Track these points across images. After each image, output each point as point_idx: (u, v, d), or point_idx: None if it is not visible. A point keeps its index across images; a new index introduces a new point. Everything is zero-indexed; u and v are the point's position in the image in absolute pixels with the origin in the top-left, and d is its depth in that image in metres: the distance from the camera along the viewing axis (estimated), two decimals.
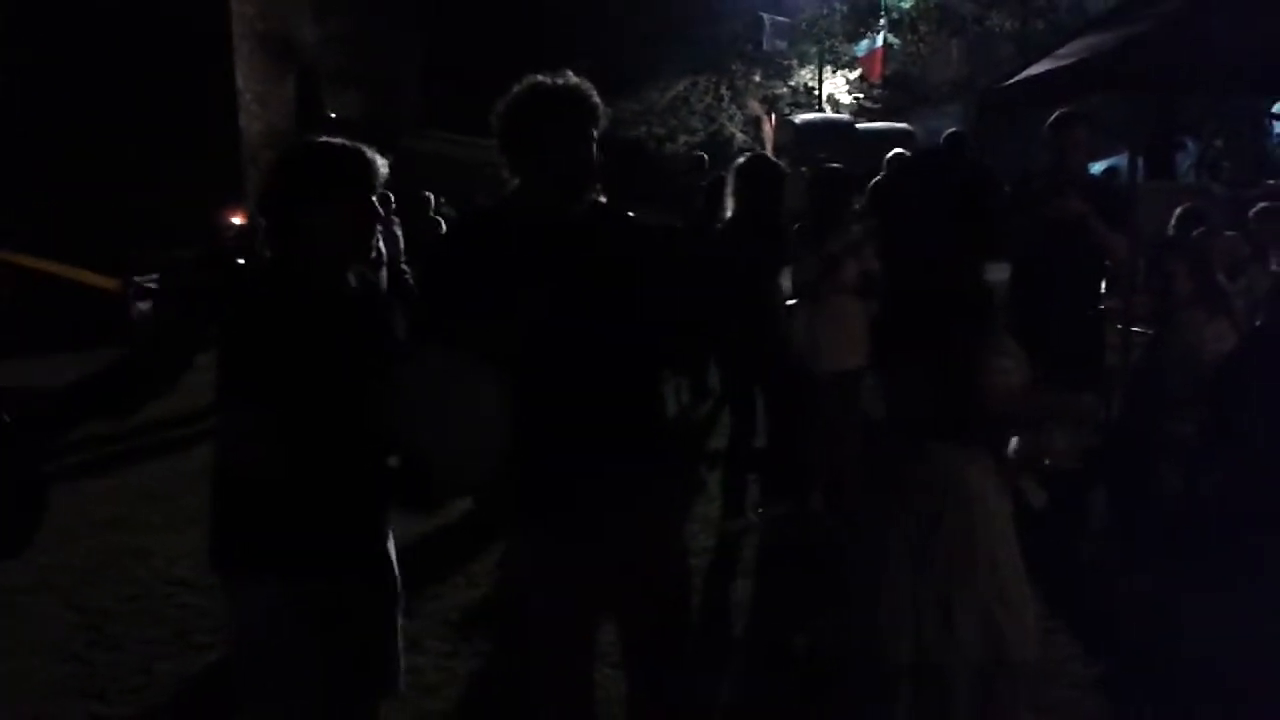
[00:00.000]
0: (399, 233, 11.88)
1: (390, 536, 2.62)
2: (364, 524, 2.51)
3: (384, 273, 11.28)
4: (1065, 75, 5.51)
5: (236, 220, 17.12)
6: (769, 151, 21.34)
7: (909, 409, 2.49)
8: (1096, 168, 10.93)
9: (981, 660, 2.41)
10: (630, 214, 2.78)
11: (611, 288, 2.57)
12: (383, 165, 2.45)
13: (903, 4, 20.23)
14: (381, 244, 11.36)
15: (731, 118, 24.71)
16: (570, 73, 2.60)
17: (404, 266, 11.66)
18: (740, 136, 24.32)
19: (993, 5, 19.32)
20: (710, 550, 5.14)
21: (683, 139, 24.38)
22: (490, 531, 4.97)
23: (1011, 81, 6.56)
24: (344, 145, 2.42)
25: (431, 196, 12.33)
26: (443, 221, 12.03)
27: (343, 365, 2.36)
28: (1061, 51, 6.14)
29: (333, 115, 22.73)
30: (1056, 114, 4.79)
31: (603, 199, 2.70)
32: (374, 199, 2.45)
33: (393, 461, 2.48)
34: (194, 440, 7.35)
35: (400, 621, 2.65)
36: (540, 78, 2.57)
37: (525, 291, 2.50)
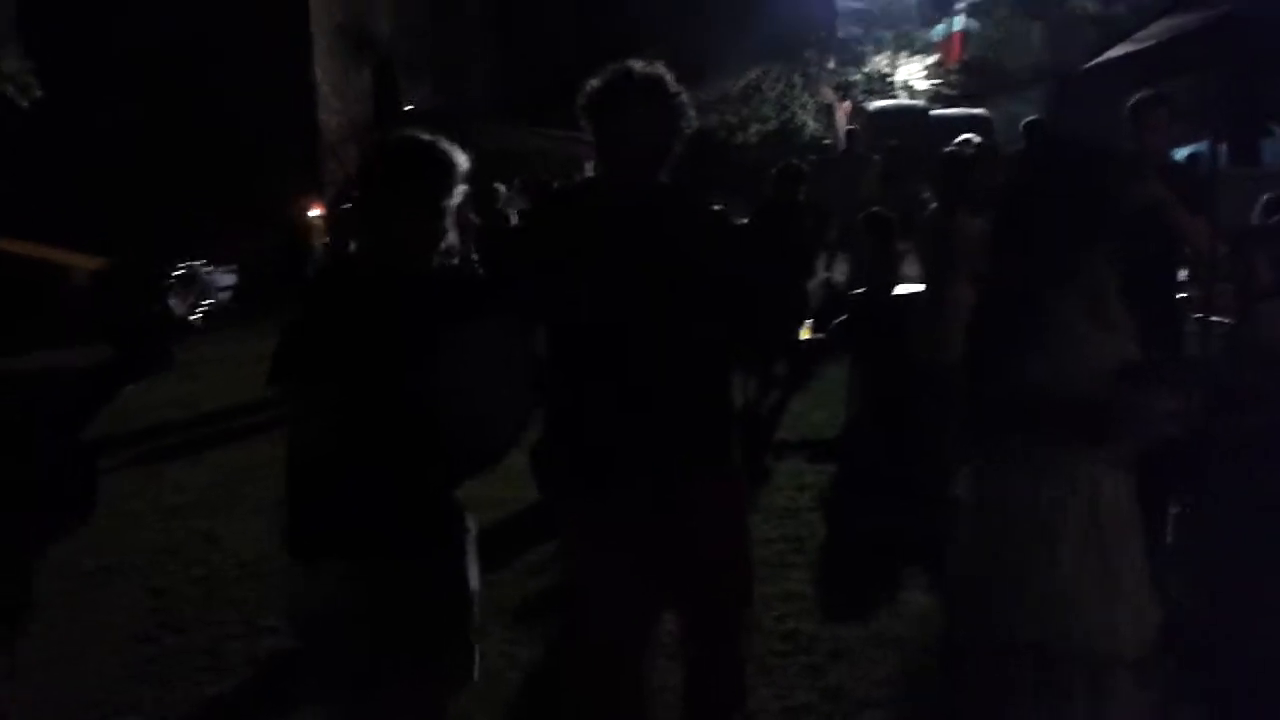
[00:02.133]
0: (475, 220, 11.97)
1: (467, 524, 2.60)
2: (430, 505, 2.51)
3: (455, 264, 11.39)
4: (1145, 58, 5.35)
5: (315, 211, 17.45)
6: (840, 139, 21.18)
7: (1014, 398, 2.49)
8: (1180, 154, 10.61)
9: (1104, 653, 2.41)
10: (698, 200, 2.81)
11: (674, 268, 2.60)
12: (463, 159, 2.48)
13: None
14: (451, 234, 11.48)
15: (804, 106, 24.46)
16: (659, 64, 2.66)
17: (474, 258, 11.74)
18: (813, 125, 24.09)
19: None
20: (776, 539, 5.09)
21: (754, 127, 24.21)
22: (552, 519, 4.96)
23: (1091, 65, 6.38)
24: (424, 140, 2.46)
25: (502, 188, 12.38)
26: (512, 214, 12.09)
27: (409, 348, 2.37)
28: (1141, 34, 5.95)
29: (409, 107, 22.99)
30: (1136, 97, 4.64)
31: (668, 183, 2.71)
32: (451, 192, 2.46)
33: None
34: (256, 430, 7.42)
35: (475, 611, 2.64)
36: (626, 64, 2.64)
37: (587, 271, 2.57)
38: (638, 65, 2.65)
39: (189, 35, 16.83)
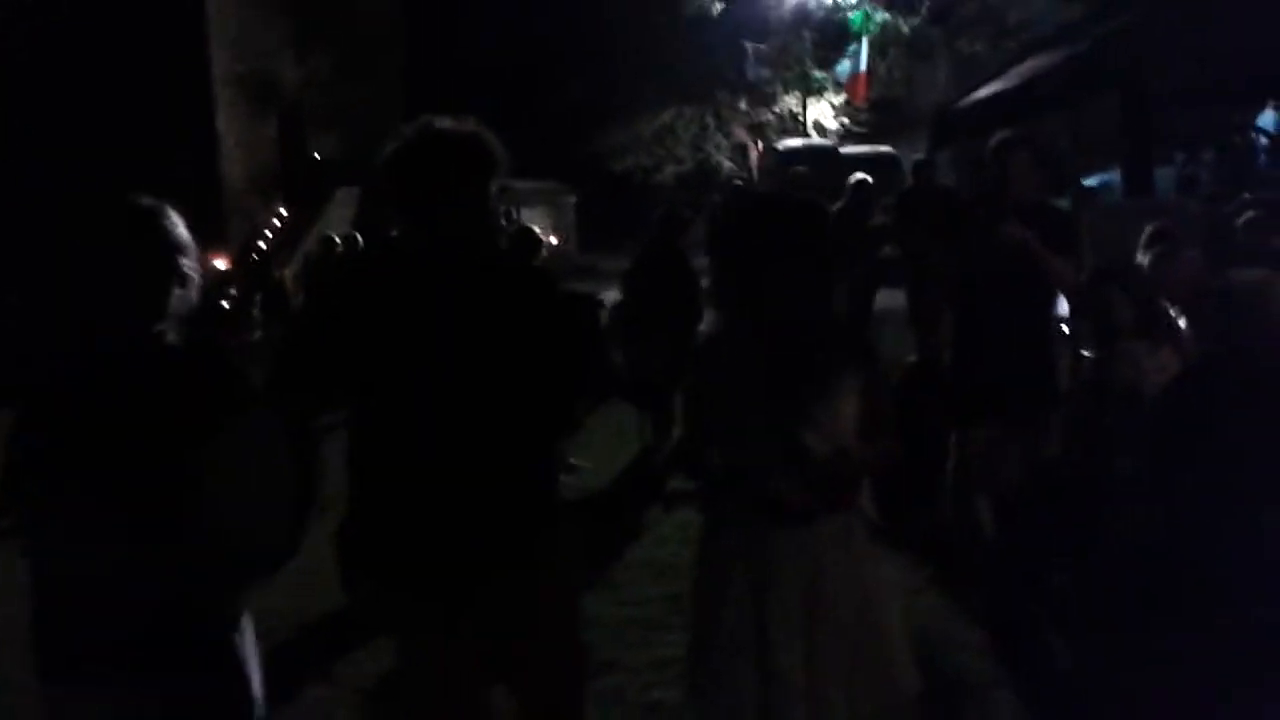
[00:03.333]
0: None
1: (241, 634, 2.34)
2: (190, 621, 2.26)
3: None
4: (1010, 97, 5.34)
5: (220, 265, 17.05)
6: (755, 178, 21.30)
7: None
8: (1090, 182, 10.80)
9: None
10: (517, 261, 2.65)
11: (482, 335, 2.44)
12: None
13: (870, 29, 20.18)
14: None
15: (718, 146, 24.64)
16: (470, 119, 2.53)
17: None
18: (728, 165, 24.24)
19: (963, 29, 19.24)
20: (658, 599, 4.91)
21: (670, 168, 24.29)
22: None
23: (960, 105, 6.39)
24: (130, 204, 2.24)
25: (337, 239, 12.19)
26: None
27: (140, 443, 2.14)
28: (1010, 73, 5.98)
29: (316, 156, 22.70)
30: (997, 138, 4.60)
31: (479, 243, 2.55)
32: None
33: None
34: None
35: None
36: (430, 124, 2.51)
37: (386, 339, 2.41)
38: (444, 122, 2.51)
39: (88, 88, 16.45)
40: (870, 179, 9.36)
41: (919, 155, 8.84)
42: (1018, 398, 4.32)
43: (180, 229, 2.26)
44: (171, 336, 2.23)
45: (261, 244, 19.11)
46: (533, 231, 7.81)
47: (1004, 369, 4.31)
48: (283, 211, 20.89)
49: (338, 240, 11.91)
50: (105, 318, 2.20)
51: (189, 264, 2.26)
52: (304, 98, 21.97)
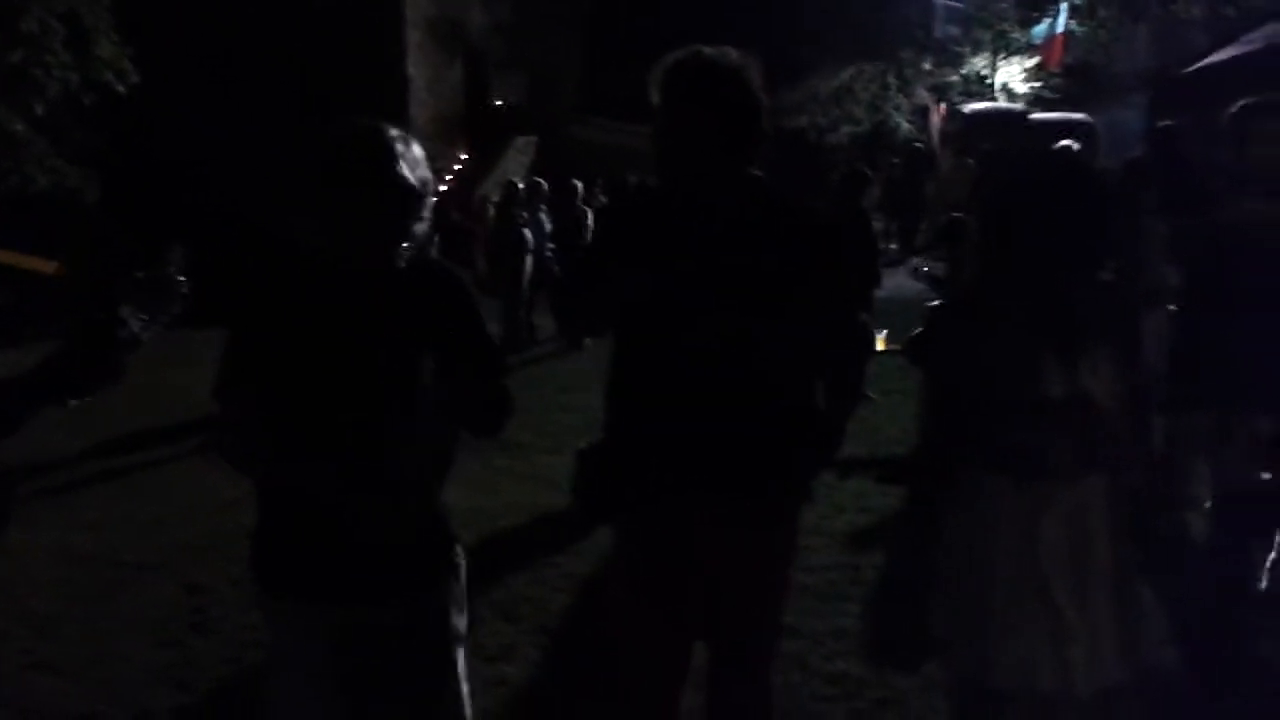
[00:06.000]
0: (545, 219, 11.84)
1: (454, 558, 2.41)
2: (410, 542, 2.32)
3: (529, 260, 11.28)
4: (1251, 62, 4.94)
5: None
6: (935, 143, 20.64)
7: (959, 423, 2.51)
8: None
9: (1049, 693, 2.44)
10: (787, 198, 2.60)
11: (752, 270, 2.41)
12: (416, 151, 2.23)
13: None
14: (527, 231, 11.37)
15: (898, 107, 23.94)
16: (732, 50, 2.45)
17: (549, 254, 11.62)
18: (906, 127, 23.55)
19: None
20: (835, 568, 4.81)
21: (845, 129, 23.76)
22: (596, 532, 4.77)
23: (1190, 70, 5.96)
24: (363, 129, 2.21)
25: (579, 185, 12.23)
26: (589, 211, 11.93)
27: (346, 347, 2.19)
28: (1250, 36, 5.53)
29: (499, 102, 23.06)
30: (1238, 104, 4.26)
31: (754, 177, 2.52)
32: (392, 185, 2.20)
33: None
34: None
35: (461, 652, 2.45)
36: (695, 50, 2.44)
37: (656, 269, 2.42)
38: (708, 49, 2.45)
39: (285, 30, 17.03)
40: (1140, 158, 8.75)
41: (1166, 123, 8.26)
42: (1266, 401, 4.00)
43: (423, 159, 2.25)
44: (405, 260, 2.27)
45: (442, 187, 19.57)
46: (864, 172, 7.76)
47: (1248, 368, 3.96)
48: (463, 156, 21.33)
49: (520, 185, 12.06)
50: (352, 242, 2.21)
51: (429, 194, 2.26)
52: (488, 43, 22.30)
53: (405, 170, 2.17)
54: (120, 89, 13.46)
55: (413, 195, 2.19)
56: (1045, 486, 2.41)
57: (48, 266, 11.55)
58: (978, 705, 2.55)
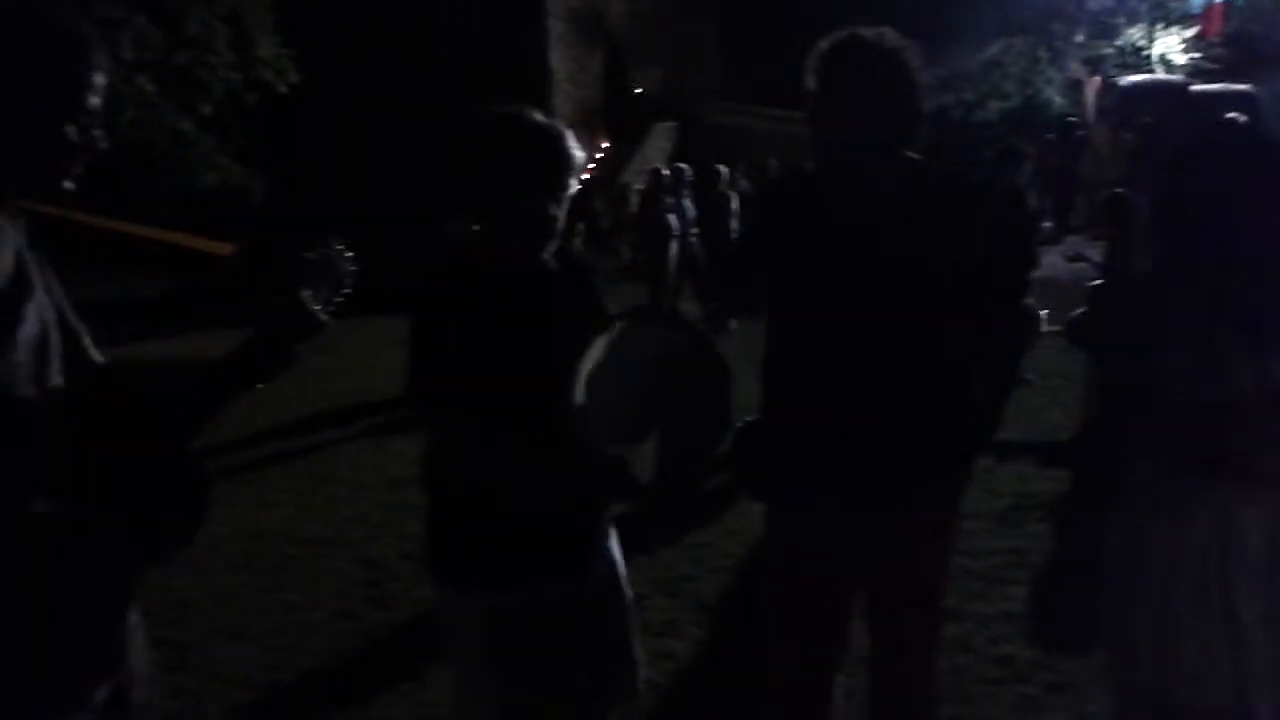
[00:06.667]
0: (689, 205, 11.87)
1: (609, 535, 2.48)
2: (580, 522, 2.38)
3: (673, 246, 11.34)
4: None
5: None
6: (1090, 117, 19.89)
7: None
8: None
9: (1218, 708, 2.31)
10: (953, 176, 2.58)
11: (913, 253, 2.39)
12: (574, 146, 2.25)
13: None
14: (672, 218, 11.43)
15: (1050, 81, 23.11)
16: (891, 31, 2.44)
17: (693, 239, 11.65)
18: (1059, 101, 22.74)
19: None
20: (999, 552, 4.72)
21: (994, 104, 23.07)
22: (752, 511, 4.80)
23: None
24: (528, 121, 2.23)
25: (724, 170, 12.22)
26: (735, 196, 11.91)
27: (533, 347, 2.22)
28: None
29: (638, 90, 23.19)
30: None
31: (914, 158, 2.49)
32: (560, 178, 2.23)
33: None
34: None
35: (635, 623, 2.52)
36: (853, 32, 2.43)
37: (817, 249, 2.42)
38: (867, 31, 2.43)
39: (431, 25, 17.47)
40: None
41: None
42: None
43: (577, 152, 2.27)
44: (550, 255, 2.31)
45: (585, 175, 19.81)
46: (1019, 148, 7.66)
47: None
48: (604, 145, 21.54)
49: (665, 172, 12.12)
50: (517, 232, 2.25)
51: (573, 185, 2.28)
52: (628, 31, 22.43)
53: (572, 157, 2.22)
54: (281, 88, 14.02)
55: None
56: (1245, 490, 2.27)
57: (223, 249, 12.09)
58: (1146, 713, 2.45)
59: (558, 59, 19.58)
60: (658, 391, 2.19)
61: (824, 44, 2.44)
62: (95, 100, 1.64)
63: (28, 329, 1.58)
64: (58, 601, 1.60)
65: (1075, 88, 22.55)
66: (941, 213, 2.46)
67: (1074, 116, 20.54)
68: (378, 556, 4.99)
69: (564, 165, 2.22)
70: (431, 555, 2.37)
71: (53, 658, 1.61)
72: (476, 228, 2.27)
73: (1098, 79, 20.95)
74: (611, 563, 2.46)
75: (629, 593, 2.50)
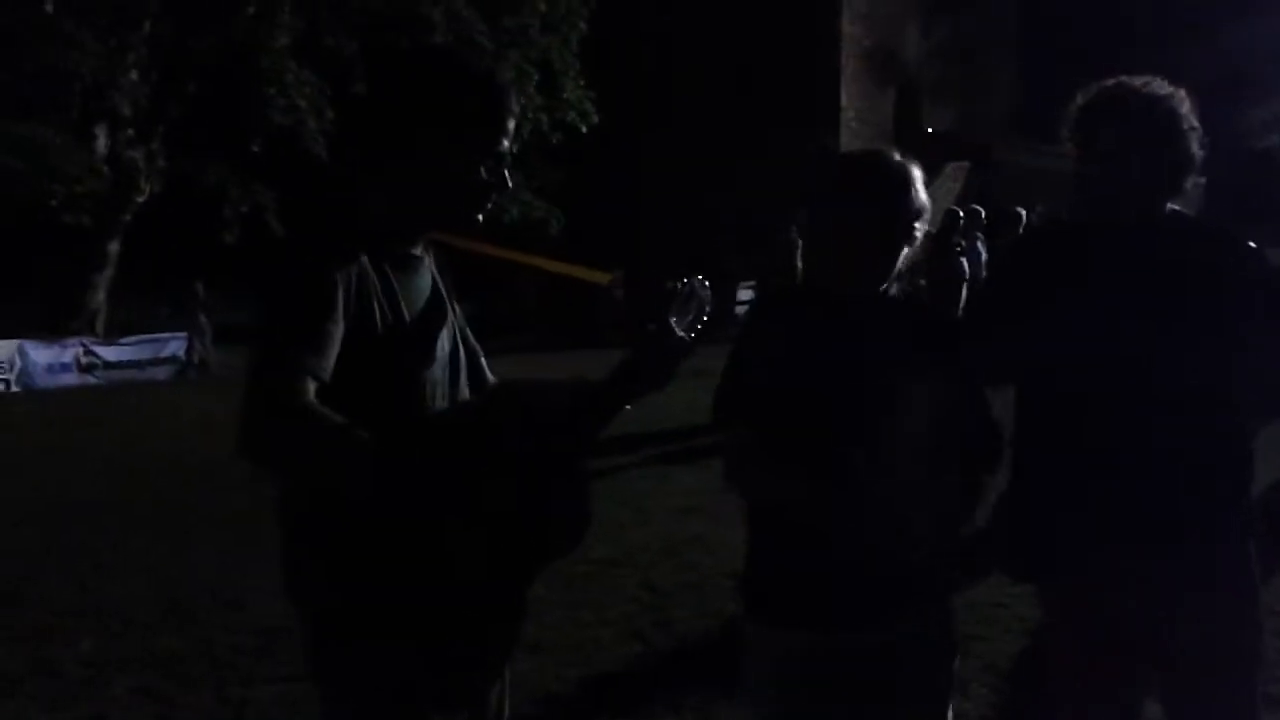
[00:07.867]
0: (982, 248, 11.53)
1: (937, 593, 2.38)
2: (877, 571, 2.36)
3: (965, 290, 11.04)
4: None
5: None
6: None
7: None
8: None
9: None
10: (1225, 235, 2.46)
11: (1188, 307, 2.29)
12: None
13: None
14: (964, 260, 11.14)
15: None
16: (1159, 80, 2.38)
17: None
18: None
19: None
20: None
21: None
22: None
23: None
24: (884, 160, 2.26)
25: (1024, 212, 11.79)
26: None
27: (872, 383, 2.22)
28: None
29: (929, 130, 22.77)
30: None
31: (1183, 214, 2.43)
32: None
33: None
34: None
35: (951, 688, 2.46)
36: (1118, 81, 2.39)
37: (1072, 309, 2.31)
38: (1133, 79, 2.39)
39: (724, 63, 17.88)
40: None
41: None
42: None
43: (923, 192, 2.27)
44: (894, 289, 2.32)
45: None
46: None
47: None
48: None
49: (961, 214, 11.85)
50: (844, 274, 2.27)
51: (920, 226, 2.28)
52: (921, 69, 22.10)
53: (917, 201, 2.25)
54: (583, 128, 14.79)
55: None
56: None
57: (604, 278, 12.90)
58: None
59: (848, 96, 19.54)
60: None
61: (1088, 92, 2.41)
62: (507, 143, 1.83)
63: (442, 346, 1.79)
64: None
65: None
66: (1213, 270, 2.34)
67: None
68: (661, 582, 5.14)
69: (908, 207, 2.23)
70: (743, 584, 2.41)
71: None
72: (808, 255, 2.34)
73: None
74: (942, 623, 2.36)
75: (956, 659, 2.39)
